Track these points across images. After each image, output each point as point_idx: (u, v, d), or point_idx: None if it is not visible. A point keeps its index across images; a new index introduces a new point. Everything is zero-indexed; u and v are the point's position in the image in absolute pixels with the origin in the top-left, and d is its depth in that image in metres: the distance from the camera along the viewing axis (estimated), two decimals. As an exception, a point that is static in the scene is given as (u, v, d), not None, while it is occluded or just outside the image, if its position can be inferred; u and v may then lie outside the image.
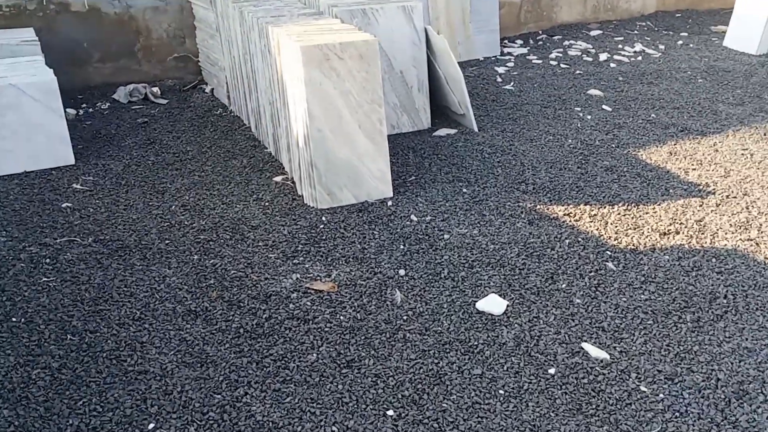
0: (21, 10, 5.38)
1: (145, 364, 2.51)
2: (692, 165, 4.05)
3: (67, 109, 5.03)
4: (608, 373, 2.44)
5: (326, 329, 2.69)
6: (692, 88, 5.43)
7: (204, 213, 3.63)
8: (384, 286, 2.96)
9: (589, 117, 4.85)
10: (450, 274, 3.04)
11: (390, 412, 2.28)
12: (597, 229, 3.37)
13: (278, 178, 4.02)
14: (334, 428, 2.23)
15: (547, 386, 2.39)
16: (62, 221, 3.55)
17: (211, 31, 5.23)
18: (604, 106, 5.04)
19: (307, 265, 3.12)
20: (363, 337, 2.64)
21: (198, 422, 2.26)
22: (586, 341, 2.60)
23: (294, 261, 3.16)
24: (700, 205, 3.58)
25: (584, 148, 4.32)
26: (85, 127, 4.90)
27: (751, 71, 5.80)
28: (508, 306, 2.80)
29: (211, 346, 2.60)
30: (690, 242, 3.25)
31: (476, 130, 4.63)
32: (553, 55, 6.43)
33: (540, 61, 6.26)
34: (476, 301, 2.84)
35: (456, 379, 2.43)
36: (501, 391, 2.37)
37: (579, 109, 5.01)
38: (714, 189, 3.75)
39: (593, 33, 7.22)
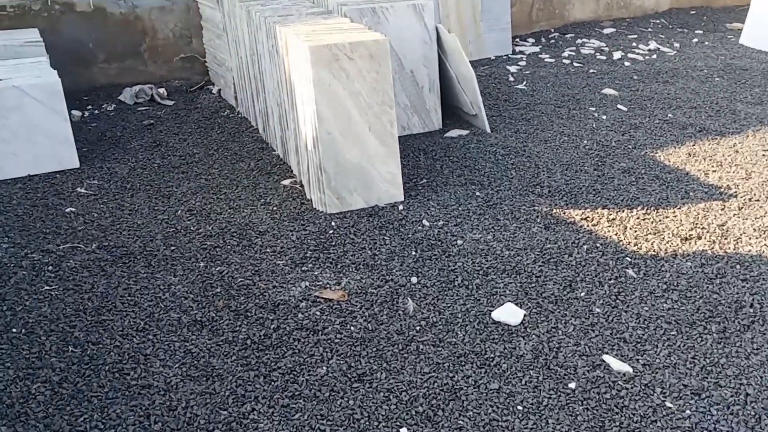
0: (25, 10, 5.31)
1: (149, 378, 2.42)
2: (712, 166, 3.93)
3: (72, 111, 4.95)
4: (631, 388, 2.33)
5: (336, 340, 2.59)
6: (709, 86, 5.30)
7: (210, 218, 3.54)
8: (396, 294, 2.86)
9: (604, 117, 4.73)
10: (464, 281, 2.93)
11: (403, 430, 2.18)
12: (616, 234, 3.25)
13: (286, 182, 3.92)
14: (345, 447, 2.13)
15: (568, 402, 2.28)
16: (66, 227, 3.46)
17: (218, 31, 5.14)
18: (619, 106, 4.92)
19: (316, 273, 3.03)
20: (374, 349, 2.54)
21: (203, 440, 2.17)
22: (607, 353, 2.49)
23: (303, 268, 3.07)
24: (722, 209, 3.46)
25: (600, 149, 4.20)
26: (91, 129, 4.82)
27: (769, 69, 5.67)
28: (525, 316, 2.70)
29: (217, 359, 2.51)
30: (713, 248, 3.13)
31: (489, 130, 4.52)
32: (565, 54, 6.31)
33: (552, 60, 6.14)
34: (492, 311, 2.73)
35: (472, 394, 2.32)
36: (519, 407, 2.27)
37: (594, 108, 4.89)
38: (736, 192, 3.63)
39: (606, 31, 7.09)
